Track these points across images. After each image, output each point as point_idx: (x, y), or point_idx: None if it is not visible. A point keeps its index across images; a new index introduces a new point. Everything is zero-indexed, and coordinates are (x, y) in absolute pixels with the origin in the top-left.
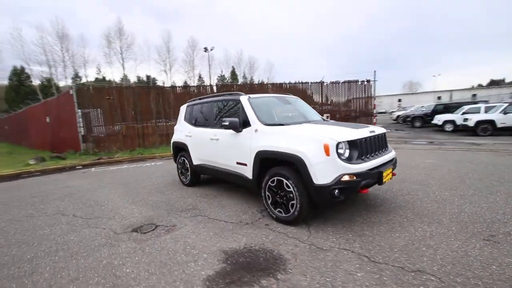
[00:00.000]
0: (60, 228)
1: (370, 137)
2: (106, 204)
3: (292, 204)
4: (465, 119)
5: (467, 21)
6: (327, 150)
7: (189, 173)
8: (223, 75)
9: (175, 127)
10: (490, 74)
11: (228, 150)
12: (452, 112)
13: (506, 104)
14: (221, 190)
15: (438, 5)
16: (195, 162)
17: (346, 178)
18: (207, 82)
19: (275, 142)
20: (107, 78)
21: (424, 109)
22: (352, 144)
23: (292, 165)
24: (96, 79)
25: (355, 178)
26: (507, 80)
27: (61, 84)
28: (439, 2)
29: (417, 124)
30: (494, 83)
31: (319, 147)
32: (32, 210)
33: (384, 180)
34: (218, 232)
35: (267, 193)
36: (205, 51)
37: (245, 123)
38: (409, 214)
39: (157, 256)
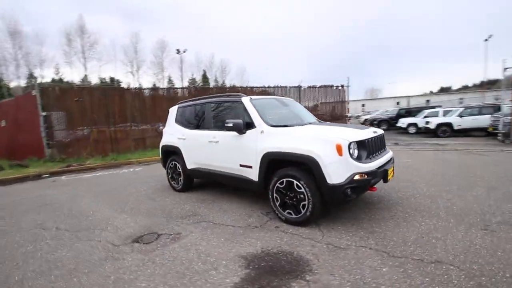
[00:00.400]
0: (46, 244)
1: (374, 137)
2: (92, 214)
3: (304, 205)
4: (427, 122)
5: (421, 36)
6: (339, 150)
7: (181, 178)
8: (194, 78)
9: (164, 130)
10: (440, 82)
11: (230, 152)
12: (414, 116)
13: (462, 109)
14: (217, 194)
15: (399, 21)
16: (189, 166)
17: (357, 177)
18: (177, 85)
19: (284, 143)
20: (66, 79)
21: (389, 113)
22: (360, 144)
23: (302, 165)
24: (53, 79)
25: (366, 176)
26: (453, 88)
27: (13, 84)
28: (400, 20)
29: (383, 127)
30: (443, 90)
31: (331, 148)
32: (2, 225)
33: (388, 178)
34: (229, 238)
35: (275, 195)
36: (178, 53)
37: (248, 125)
38: (408, 209)
39: (171, 267)
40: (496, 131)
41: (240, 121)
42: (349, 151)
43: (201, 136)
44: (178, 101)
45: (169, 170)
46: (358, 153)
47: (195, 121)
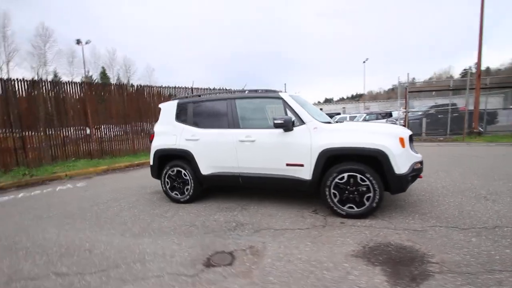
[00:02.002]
0: None
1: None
2: (95, 246)
3: (368, 197)
4: None
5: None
6: (402, 143)
7: (190, 186)
8: (91, 76)
9: (156, 130)
10: (323, 94)
11: (273, 151)
12: None
13: (365, 114)
14: (237, 199)
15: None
16: (205, 172)
17: (416, 166)
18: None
19: (347, 138)
20: None
21: None
22: (410, 137)
23: (366, 159)
24: None
25: (420, 165)
26: (334, 99)
27: None
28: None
29: None
30: (327, 101)
31: (396, 141)
32: None
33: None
34: (312, 241)
35: (332, 191)
36: (78, 44)
37: (292, 122)
38: (423, 193)
39: (297, 282)
40: None
41: (289, 117)
42: (409, 143)
43: (226, 136)
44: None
45: (167, 179)
46: (410, 145)
47: (213, 119)
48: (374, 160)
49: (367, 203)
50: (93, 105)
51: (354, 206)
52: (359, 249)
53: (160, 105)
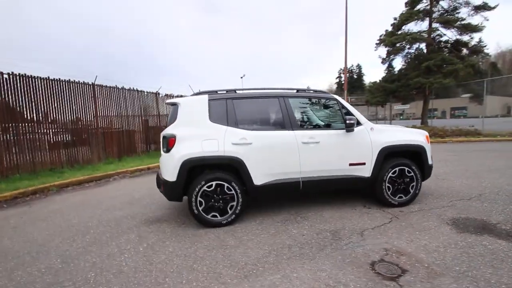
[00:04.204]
0: None
1: None
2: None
3: (412, 186)
4: None
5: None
6: (428, 139)
7: (236, 202)
8: None
9: (179, 134)
10: None
11: (337, 152)
12: None
13: None
14: (280, 210)
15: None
16: (260, 181)
17: None
18: None
19: (394, 137)
20: None
21: None
22: None
23: (410, 154)
24: None
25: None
26: None
27: None
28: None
29: None
30: None
31: (424, 138)
32: None
33: None
34: (408, 230)
35: (387, 185)
36: None
37: None
38: None
39: (464, 263)
40: None
41: (355, 117)
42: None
43: (286, 138)
44: None
45: (200, 198)
46: None
47: (262, 119)
48: (415, 155)
49: (411, 191)
50: None
51: (403, 196)
52: (446, 224)
53: (179, 101)
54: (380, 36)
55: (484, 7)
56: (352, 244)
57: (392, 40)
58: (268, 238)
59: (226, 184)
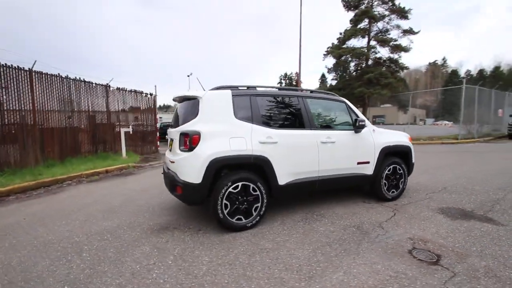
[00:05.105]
0: None
1: None
2: None
3: (401, 182)
4: None
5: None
6: (411, 140)
7: (261, 203)
8: None
9: (204, 130)
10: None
11: (348, 152)
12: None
13: None
14: (291, 210)
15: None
16: (284, 181)
17: None
18: None
19: (391, 138)
20: None
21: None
22: None
23: (399, 153)
24: None
25: None
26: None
27: None
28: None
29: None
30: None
31: (408, 139)
32: None
33: None
34: (410, 223)
35: (384, 181)
36: None
37: None
38: None
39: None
40: None
41: (364, 119)
42: None
43: (308, 137)
44: None
45: (225, 201)
46: None
47: (285, 117)
48: (404, 154)
49: (401, 186)
50: None
51: (395, 190)
52: (438, 213)
53: (200, 95)
54: (328, 48)
55: (410, 31)
56: (380, 236)
57: (340, 53)
58: (302, 238)
59: (251, 185)
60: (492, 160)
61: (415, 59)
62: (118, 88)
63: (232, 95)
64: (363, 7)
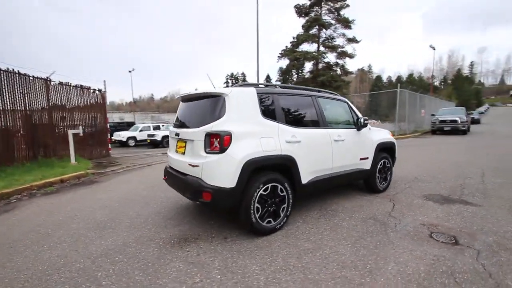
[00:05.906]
0: None
1: None
2: None
3: (389, 174)
4: (152, 135)
5: None
6: (393, 135)
7: (287, 204)
8: None
9: (235, 130)
10: None
11: (353, 149)
12: (127, 129)
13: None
14: (305, 211)
15: None
16: (306, 179)
17: None
18: None
19: (381, 135)
20: None
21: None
22: None
23: (387, 149)
24: None
25: None
26: None
27: None
28: None
29: None
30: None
31: (390, 135)
32: None
33: None
34: (412, 210)
35: (377, 175)
36: None
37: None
38: None
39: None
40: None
41: (365, 118)
42: None
43: (325, 136)
44: None
45: (257, 204)
46: None
47: (303, 116)
48: (390, 149)
49: (388, 178)
50: None
51: (384, 182)
52: (426, 200)
53: (226, 92)
54: (282, 50)
55: (354, 40)
56: (399, 225)
57: (295, 55)
58: (334, 234)
59: (279, 186)
60: (435, 152)
61: (347, 65)
62: (61, 83)
63: (257, 93)
64: (312, 14)
